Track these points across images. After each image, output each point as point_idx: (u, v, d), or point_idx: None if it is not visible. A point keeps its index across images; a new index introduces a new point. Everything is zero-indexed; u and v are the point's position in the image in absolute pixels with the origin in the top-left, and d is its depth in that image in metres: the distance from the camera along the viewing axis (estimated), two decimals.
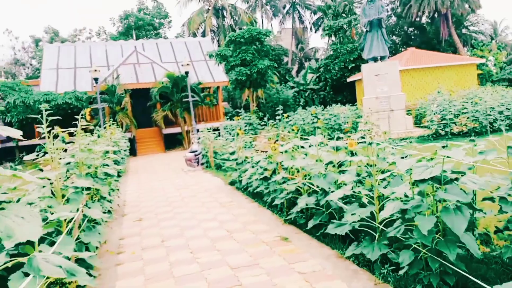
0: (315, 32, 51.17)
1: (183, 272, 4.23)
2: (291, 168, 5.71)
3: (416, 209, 3.10)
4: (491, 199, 3.58)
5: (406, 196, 3.45)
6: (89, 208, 5.09)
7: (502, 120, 15.35)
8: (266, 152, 7.11)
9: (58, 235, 4.19)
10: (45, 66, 26.26)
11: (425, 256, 3.17)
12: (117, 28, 42.99)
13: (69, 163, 5.28)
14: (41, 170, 5.02)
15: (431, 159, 3.22)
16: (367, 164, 4.13)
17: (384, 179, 4.33)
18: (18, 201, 4.08)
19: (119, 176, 13.18)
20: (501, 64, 34.75)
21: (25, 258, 1.68)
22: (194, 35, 39.92)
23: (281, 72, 38.66)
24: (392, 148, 4.96)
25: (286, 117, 18.42)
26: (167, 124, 23.89)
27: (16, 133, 1.69)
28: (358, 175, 4.33)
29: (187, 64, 17.93)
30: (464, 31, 42.39)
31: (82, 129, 5.99)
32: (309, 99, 34.34)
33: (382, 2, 19.32)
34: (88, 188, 5.52)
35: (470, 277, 2.86)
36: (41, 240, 3.71)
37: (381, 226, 3.77)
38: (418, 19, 40.12)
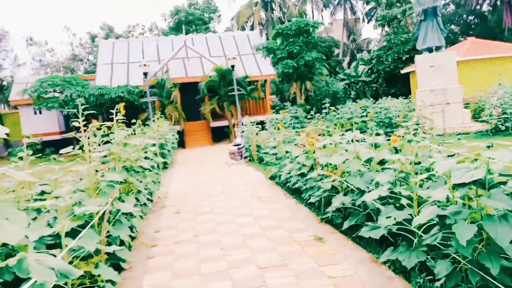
0: (368, 22, 49.63)
1: (210, 270, 4.15)
2: (330, 164, 5.45)
3: (455, 215, 2.78)
4: None
5: (448, 200, 3.14)
6: (123, 201, 5.16)
7: None
8: (305, 147, 6.88)
9: (91, 228, 4.26)
10: (100, 61, 27.38)
11: (465, 268, 2.86)
12: (168, 24, 44.02)
13: (105, 156, 5.36)
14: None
15: (476, 159, 2.89)
16: (406, 163, 3.82)
17: (427, 180, 4.00)
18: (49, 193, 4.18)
19: (165, 167, 13.49)
20: None
21: (15, 259, 1.62)
22: (243, 28, 40.02)
23: (331, 64, 37.85)
24: (439, 145, 4.58)
25: (334, 110, 17.92)
26: (214, 117, 24.14)
27: (2, 131, 1.63)
28: (396, 175, 4.02)
29: (233, 58, 17.94)
30: None
31: (121, 122, 6.08)
32: (361, 91, 33.34)
33: None
34: (124, 181, 5.60)
35: None
36: (70, 233, 3.75)
37: (419, 232, 3.46)
38: (478, 7, 37.67)
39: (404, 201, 3.82)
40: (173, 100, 22.82)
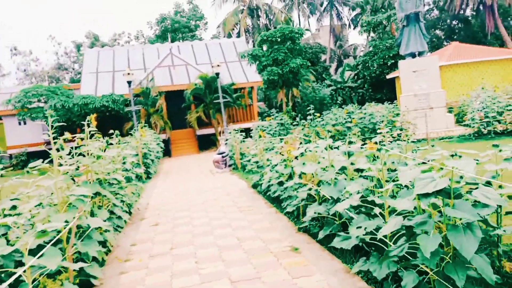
0: (354, 28, 50.06)
1: (182, 285, 4.06)
2: (304, 173, 5.40)
3: (421, 226, 2.74)
4: None
5: (416, 209, 3.09)
6: (95, 215, 5.04)
7: None
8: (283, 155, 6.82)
9: (57, 244, 4.14)
10: (85, 70, 27.15)
11: (433, 279, 2.81)
12: (154, 31, 43.89)
13: (77, 168, 5.25)
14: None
15: (441, 169, 2.85)
16: (377, 171, 3.78)
17: (403, 187, 3.96)
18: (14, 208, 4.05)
19: (149, 177, 13.34)
20: None
21: None
22: (230, 36, 40.07)
23: (318, 71, 38.02)
24: (412, 152, 4.56)
25: (319, 116, 17.94)
26: (201, 125, 24.04)
27: None
28: (368, 183, 3.97)
29: (218, 66, 17.89)
30: None
31: (94, 133, 5.97)
32: (347, 97, 33.53)
33: None
34: (97, 195, 5.48)
35: None
36: (36, 250, 3.63)
37: (390, 242, 3.42)
38: (462, 11, 38.25)
39: (377, 210, 3.78)
40: (159, 108, 22.68)
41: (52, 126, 4.88)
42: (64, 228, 4.00)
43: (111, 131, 8.68)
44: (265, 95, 34.18)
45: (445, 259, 2.77)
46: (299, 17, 48.35)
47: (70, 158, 5.33)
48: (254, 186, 9.11)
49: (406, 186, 3.91)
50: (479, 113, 14.47)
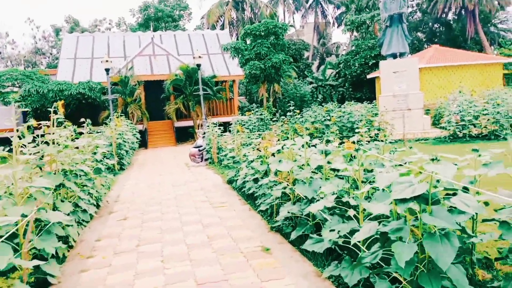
0: (338, 27, 50.22)
1: (145, 285, 3.84)
2: (279, 171, 5.23)
3: (396, 232, 2.60)
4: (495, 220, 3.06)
5: (392, 214, 2.96)
6: (56, 208, 4.77)
7: None
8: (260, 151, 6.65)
9: (14, 239, 3.87)
10: (63, 55, 26.35)
11: None
12: (137, 19, 42.99)
13: (41, 158, 4.95)
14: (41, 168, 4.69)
15: (420, 173, 2.71)
16: (353, 172, 3.63)
17: (378, 190, 3.84)
18: None
19: (122, 169, 12.98)
20: None
21: None
22: (214, 27, 39.58)
23: (301, 67, 37.94)
24: (390, 153, 4.44)
25: (298, 113, 17.84)
26: (179, 117, 23.67)
27: None
28: (344, 184, 3.83)
29: (199, 57, 17.57)
30: (492, 29, 40.75)
31: (62, 121, 5.67)
32: (327, 95, 33.59)
33: None
34: (61, 186, 5.19)
35: None
36: None
37: (363, 247, 3.28)
38: (444, 15, 38.74)
39: (351, 212, 3.64)
40: (137, 98, 22.20)
41: (16, 112, 4.56)
42: (20, 222, 3.73)
43: (83, 119, 8.32)
44: (246, 90, 33.94)
45: (419, 268, 2.64)
46: (284, 13, 48.19)
47: (34, 147, 5.04)
48: (230, 181, 8.91)
49: (375, 188, 3.79)
50: (456, 116, 14.60)
